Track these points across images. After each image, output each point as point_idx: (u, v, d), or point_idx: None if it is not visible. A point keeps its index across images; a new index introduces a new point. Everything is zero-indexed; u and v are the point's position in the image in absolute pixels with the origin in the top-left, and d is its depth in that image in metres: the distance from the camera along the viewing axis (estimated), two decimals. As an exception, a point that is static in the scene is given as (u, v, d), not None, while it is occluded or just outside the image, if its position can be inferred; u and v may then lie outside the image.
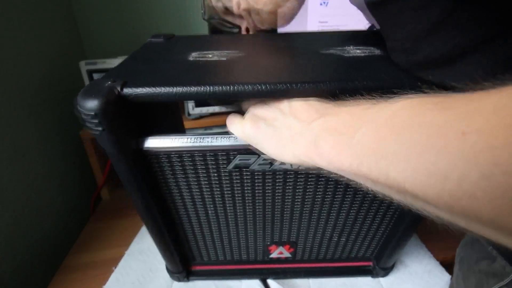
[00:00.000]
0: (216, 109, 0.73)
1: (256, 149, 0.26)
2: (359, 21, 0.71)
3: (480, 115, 0.12)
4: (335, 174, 0.21)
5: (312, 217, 0.38)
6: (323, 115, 0.22)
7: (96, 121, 0.23)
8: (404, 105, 0.17)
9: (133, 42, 0.90)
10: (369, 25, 0.39)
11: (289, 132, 0.23)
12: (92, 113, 0.23)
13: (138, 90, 0.25)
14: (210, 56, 0.32)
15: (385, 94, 0.20)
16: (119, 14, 0.86)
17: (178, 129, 0.52)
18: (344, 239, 0.42)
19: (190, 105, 0.70)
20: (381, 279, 0.47)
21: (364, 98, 0.21)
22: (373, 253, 0.46)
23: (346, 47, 0.33)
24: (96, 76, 0.61)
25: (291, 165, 0.30)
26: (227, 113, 0.31)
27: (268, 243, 0.43)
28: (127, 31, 0.89)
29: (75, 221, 0.69)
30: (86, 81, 0.61)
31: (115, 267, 0.50)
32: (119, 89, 0.24)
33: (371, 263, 0.47)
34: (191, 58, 0.31)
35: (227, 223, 0.39)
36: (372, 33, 0.39)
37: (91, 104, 0.23)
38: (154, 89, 0.25)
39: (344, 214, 0.37)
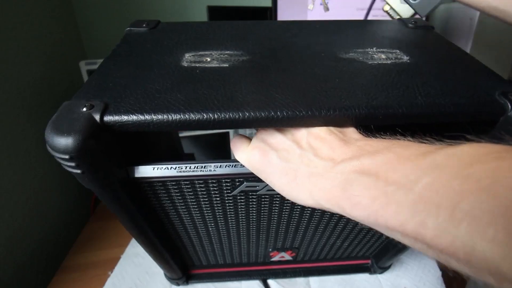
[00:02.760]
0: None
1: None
2: (359, 21, 0.71)
3: None
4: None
5: (319, 228, 0.36)
6: (355, 156, 0.17)
7: (72, 164, 0.19)
8: (487, 152, 0.13)
9: (133, 42, 0.90)
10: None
11: (307, 170, 0.19)
12: (67, 156, 0.18)
13: (124, 119, 0.19)
14: (208, 59, 0.27)
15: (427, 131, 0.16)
16: (119, 14, 0.86)
17: (174, 147, 0.50)
18: (347, 244, 0.42)
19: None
20: (379, 275, 0.48)
21: (404, 137, 0.17)
22: (372, 253, 0.46)
23: (369, 49, 0.29)
24: (96, 76, 0.61)
25: None
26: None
27: (270, 249, 0.42)
28: (127, 31, 0.88)
29: (75, 221, 0.69)
30: (86, 81, 0.61)
31: (111, 272, 0.49)
32: (98, 118, 0.19)
33: (369, 261, 0.48)
34: (184, 63, 0.26)
35: (229, 238, 0.38)
36: (392, 25, 0.35)
37: (65, 143, 0.18)
38: (144, 116, 0.19)
39: (352, 221, 0.35)
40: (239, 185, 0.27)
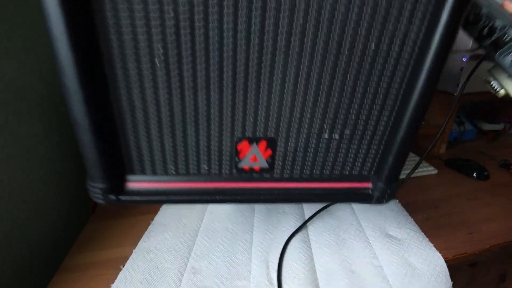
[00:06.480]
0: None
1: None
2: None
3: None
4: None
5: (297, 91, 0.28)
6: None
7: None
8: None
9: (133, 42, 0.90)
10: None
11: None
12: None
13: None
14: None
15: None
16: (119, 14, 0.86)
17: None
18: (336, 138, 0.32)
19: None
20: (390, 280, 0.47)
21: None
22: (372, 168, 0.35)
23: None
24: (95, 75, 0.61)
25: None
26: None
27: (239, 134, 0.31)
28: (127, 31, 0.88)
29: (75, 221, 0.69)
30: (86, 81, 0.61)
31: (123, 266, 0.50)
32: None
33: (369, 184, 0.37)
34: None
35: (181, 88, 0.27)
36: None
37: None
38: None
39: (337, 89, 0.29)
40: None
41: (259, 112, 0.29)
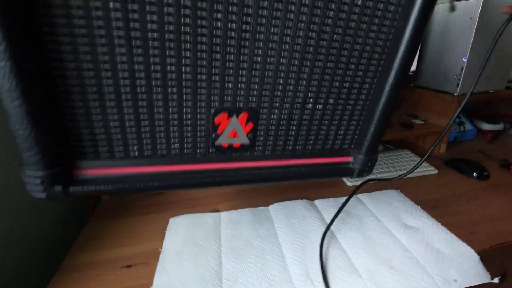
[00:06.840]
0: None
1: None
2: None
3: None
4: None
5: (283, 53, 0.25)
6: None
7: None
8: None
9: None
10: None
11: None
12: None
13: None
14: None
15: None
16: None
17: None
18: (320, 109, 0.30)
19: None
20: (429, 269, 0.47)
21: None
22: (352, 140, 0.35)
23: None
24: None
25: None
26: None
27: (216, 105, 0.26)
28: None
29: (75, 221, 0.69)
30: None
31: None
32: None
33: (349, 158, 0.37)
34: None
35: (144, 41, 0.20)
36: None
37: None
38: None
39: (323, 52, 0.26)
40: None
41: (239, 78, 0.25)
